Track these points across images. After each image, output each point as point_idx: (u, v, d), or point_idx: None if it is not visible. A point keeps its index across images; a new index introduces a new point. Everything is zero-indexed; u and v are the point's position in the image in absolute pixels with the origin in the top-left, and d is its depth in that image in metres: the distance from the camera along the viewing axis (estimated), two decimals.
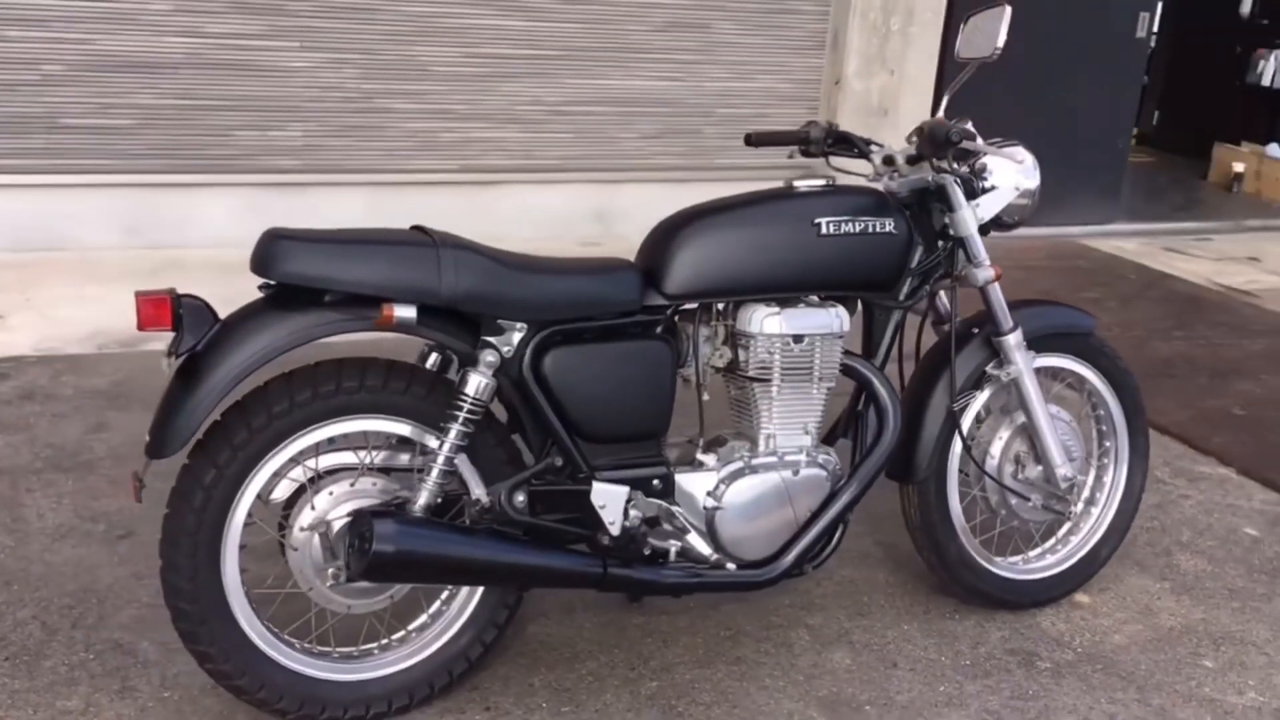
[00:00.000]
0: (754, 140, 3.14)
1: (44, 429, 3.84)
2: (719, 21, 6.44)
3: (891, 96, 6.69)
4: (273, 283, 2.38)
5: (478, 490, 2.48)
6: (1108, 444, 3.20)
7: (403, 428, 2.47)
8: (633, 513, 2.59)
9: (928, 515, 2.97)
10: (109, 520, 3.31)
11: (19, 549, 3.13)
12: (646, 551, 2.62)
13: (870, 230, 2.72)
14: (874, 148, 2.93)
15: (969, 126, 2.70)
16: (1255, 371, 5.15)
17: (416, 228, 2.56)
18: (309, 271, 2.32)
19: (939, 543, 3.00)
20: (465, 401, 2.43)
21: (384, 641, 2.61)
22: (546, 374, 2.50)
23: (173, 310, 2.32)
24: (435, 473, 2.42)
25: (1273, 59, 9.19)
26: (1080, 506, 3.15)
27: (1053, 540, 3.22)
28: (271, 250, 2.33)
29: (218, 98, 5.70)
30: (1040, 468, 3.05)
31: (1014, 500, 3.06)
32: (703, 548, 2.64)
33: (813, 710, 2.69)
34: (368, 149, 5.98)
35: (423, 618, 2.63)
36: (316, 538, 2.45)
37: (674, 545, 2.62)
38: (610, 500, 2.56)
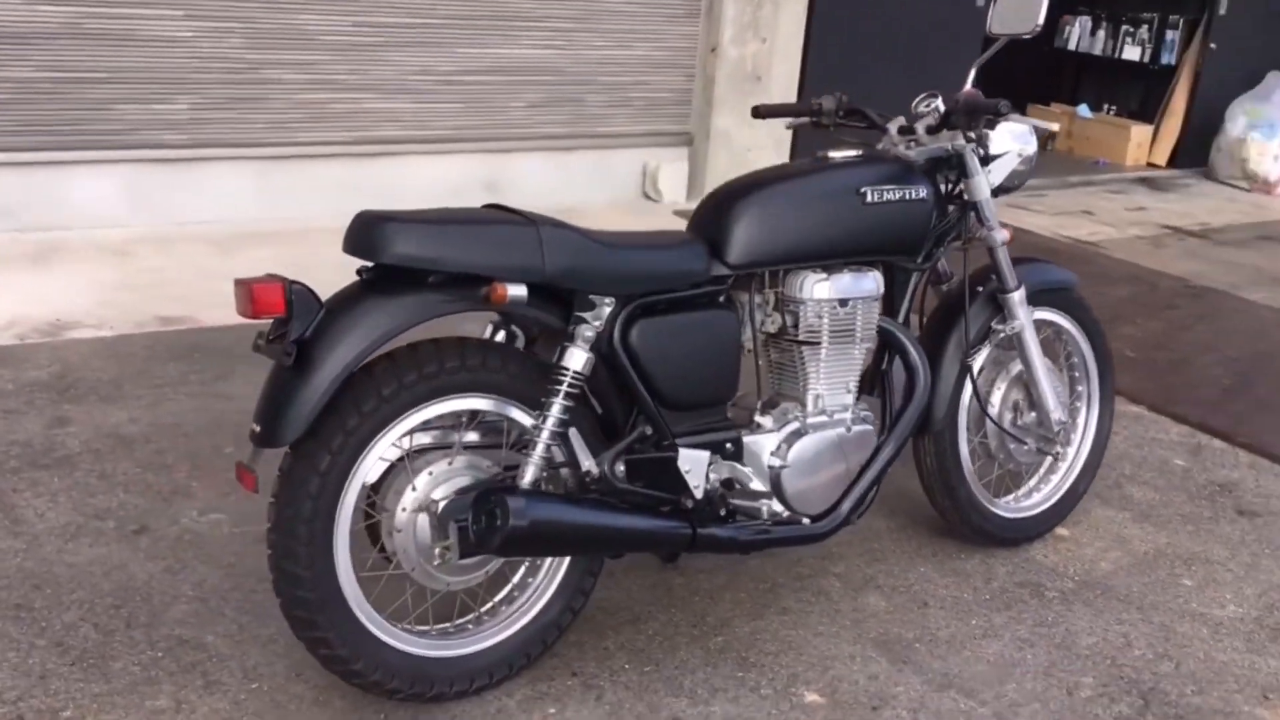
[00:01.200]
0: (762, 112, 3.26)
1: (1, 427, 3.64)
2: None
3: (764, 63, 6.91)
4: (369, 265, 2.38)
5: (587, 461, 2.54)
6: (1080, 388, 3.49)
7: (500, 405, 2.51)
8: (712, 475, 2.70)
9: (943, 462, 3.19)
10: (115, 517, 3.19)
11: (32, 551, 3.00)
12: (722, 512, 2.74)
13: (907, 197, 2.90)
14: (885, 119, 3.09)
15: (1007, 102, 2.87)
16: (1131, 316, 5.62)
17: (495, 206, 2.58)
18: (419, 253, 2.33)
19: (953, 488, 3.22)
20: (566, 376, 2.48)
21: (478, 616, 2.64)
22: (634, 346, 2.57)
23: (285, 296, 2.28)
24: (541, 447, 2.47)
25: (1077, 24, 9.87)
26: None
27: (1036, 479, 3.49)
28: (378, 232, 2.32)
29: (97, 70, 5.41)
30: (1034, 414, 3.31)
31: (1012, 445, 3.31)
32: (772, 505, 2.78)
33: (871, 651, 2.88)
34: (255, 121, 5.80)
35: (508, 589, 2.67)
36: (423, 518, 2.47)
37: (745, 504, 2.74)
38: (694, 465, 2.66)
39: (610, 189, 6.84)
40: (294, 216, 5.79)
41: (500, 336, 2.67)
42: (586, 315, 2.52)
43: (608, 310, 2.54)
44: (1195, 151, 9.19)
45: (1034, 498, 3.45)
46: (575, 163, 6.70)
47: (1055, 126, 3.10)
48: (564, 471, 2.57)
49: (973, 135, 2.94)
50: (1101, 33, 9.79)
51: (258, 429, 2.33)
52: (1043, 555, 3.40)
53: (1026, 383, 3.29)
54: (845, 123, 3.16)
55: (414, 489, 2.47)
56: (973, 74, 3.07)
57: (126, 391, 3.95)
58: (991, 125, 2.96)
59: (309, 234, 5.57)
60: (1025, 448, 3.33)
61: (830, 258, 2.84)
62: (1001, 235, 3.07)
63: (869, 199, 2.84)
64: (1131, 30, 9.60)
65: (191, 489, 3.37)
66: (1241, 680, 2.89)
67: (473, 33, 6.20)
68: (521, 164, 6.51)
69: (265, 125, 5.81)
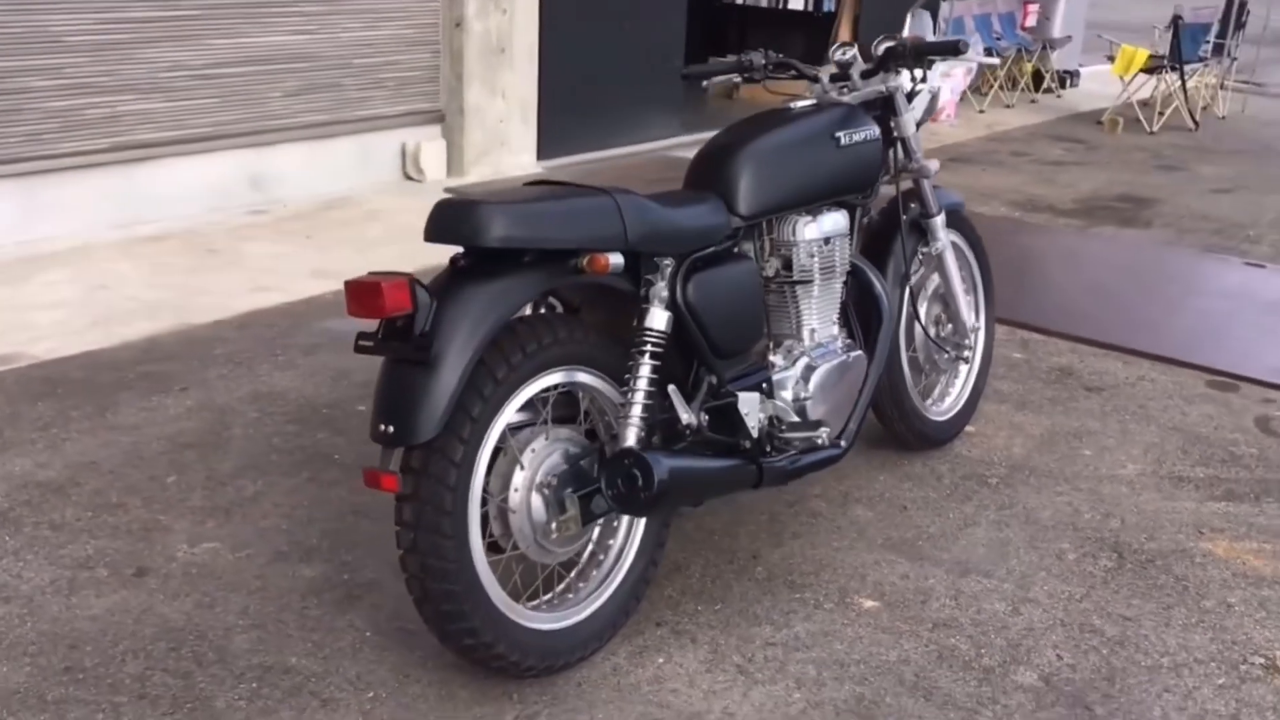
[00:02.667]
0: (691, 74, 3.41)
1: None
2: None
3: (507, 35, 6.97)
4: (461, 250, 2.38)
5: (686, 414, 2.65)
6: (970, 297, 3.91)
7: (586, 375, 2.57)
8: (761, 415, 2.87)
9: (892, 377, 3.50)
10: (103, 563, 2.97)
11: (36, 613, 2.74)
12: (768, 448, 2.92)
13: (867, 138, 3.16)
14: (813, 69, 3.33)
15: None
16: None
17: (544, 182, 2.62)
18: (520, 233, 2.36)
19: (900, 400, 3.55)
20: (651, 336, 2.58)
21: (577, 584, 2.70)
22: (692, 301, 2.69)
23: (411, 292, 2.26)
24: (639, 407, 2.56)
25: None
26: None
27: (948, 382, 3.87)
28: (476, 217, 2.33)
29: None
30: (951, 325, 3.69)
31: (937, 355, 3.68)
32: (804, 432, 2.98)
33: (889, 555, 3.16)
34: (9, 136, 5.28)
35: (587, 554, 2.74)
36: (536, 496, 2.50)
37: (795, 435, 2.94)
38: (750, 407, 2.83)
39: (374, 173, 6.72)
40: (67, 234, 5.34)
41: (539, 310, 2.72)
42: (653, 277, 2.62)
43: (669, 269, 2.65)
44: None
45: (949, 400, 3.84)
46: (338, 149, 6.53)
47: (996, 61, 3.45)
48: (653, 427, 2.66)
49: (919, 74, 3.24)
50: None
51: (390, 429, 2.28)
52: (967, 450, 3.80)
53: (944, 296, 3.65)
54: (775, 75, 3.37)
55: (522, 468, 2.49)
56: (909, 19, 3.35)
57: (10, 438, 3.59)
58: (929, 65, 3.27)
59: (91, 251, 5.17)
60: (947, 356, 3.71)
61: (815, 200, 3.06)
62: (934, 165, 3.39)
63: (842, 142, 3.09)
64: None
65: (161, 523, 3.17)
66: (1176, 522, 3.40)
67: (224, 23, 5.91)
68: (284, 156, 6.28)
69: (21, 139, 5.31)
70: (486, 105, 6.97)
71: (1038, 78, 11.01)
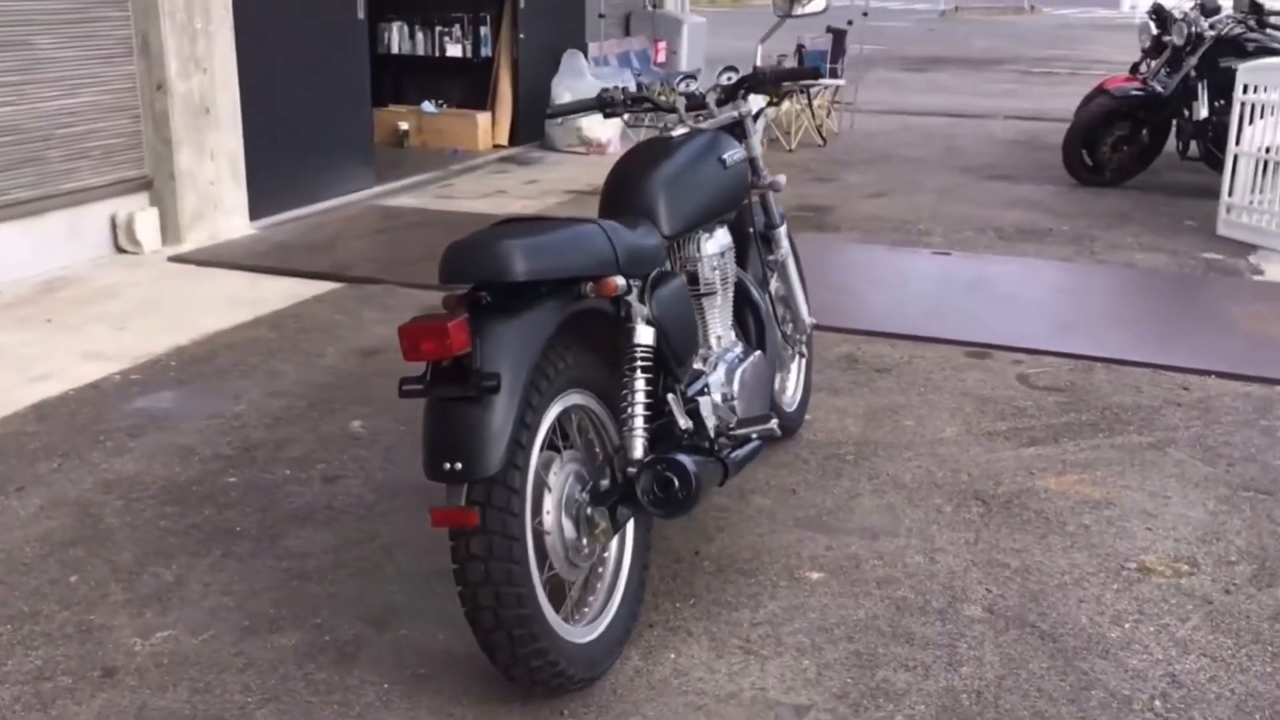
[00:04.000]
0: (556, 112, 3.60)
1: None
2: (37, 36, 5.94)
3: (210, 95, 6.76)
4: (474, 286, 2.48)
5: (684, 420, 2.84)
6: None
7: (585, 396, 2.72)
8: (714, 416, 3.11)
9: None
10: (60, 670, 2.77)
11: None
12: (707, 444, 3.16)
13: (740, 159, 3.48)
14: (669, 101, 3.62)
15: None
16: None
17: (514, 219, 2.74)
18: (543, 266, 2.50)
19: (772, 395, 3.88)
20: (641, 351, 2.77)
21: (586, 599, 2.82)
22: (658, 316, 2.90)
23: (470, 331, 2.34)
24: (640, 419, 2.74)
25: (394, 29, 10.58)
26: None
27: (782, 377, 4.25)
28: (502, 253, 2.45)
29: None
30: (792, 324, 4.08)
31: (784, 351, 4.05)
32: (760, 426, 3.21)
33: (808, 531, 3.50)
34: None
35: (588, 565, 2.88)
36: (565, 516, 2.62)
37: (746, 431, 3.19)
38: (707, 409, 3.06)
39: (87, 248, 6.32)
40: None
41: None
42: (629, 298, 2.80)
43: (638, 289, 2.84)
44: (529, 129, 10.41)
45: (789, 392, 4.22)
46: (48, 226, 6.10)
47: (842, 81, 3.82)
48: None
49: (776, 100, 3.59)
50: (420, 35, 10.60)
51: (458, 466, 2.35)
52: (813, 435, 4.19)
53: (785, 297, 4.03)
54: (634, 109, 3.62)
55: (549, 490, 2.61)
56: (760, 50, 3.69)
57: None
58: (782, 92, 3.61)
59: None
60: (789, 352, 4.09)
61: (714, 218, 3.34)
62: (782, 180, 3.76)
63: (727, 164, 3.38)
64: (447, 30, 10.53)
65: (95, 622, 2.99)
66: (1008, 469, 3.94)
67: None
68: None
69: None
70: (197, 168, 6.72)
71: None
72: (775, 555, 3.35)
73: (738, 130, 3.66)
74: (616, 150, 10.18)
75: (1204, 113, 8.43)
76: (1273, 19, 8.53)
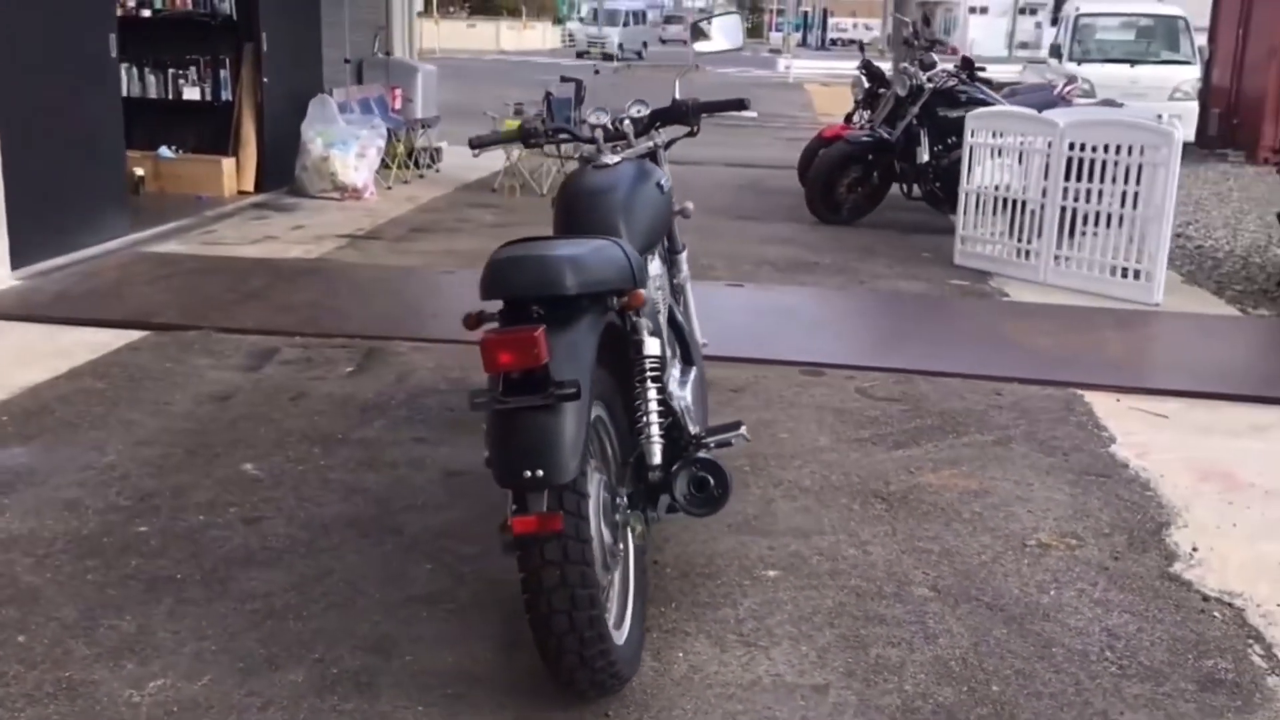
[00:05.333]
0: (479, 144, 3.68)
1: None
2: None
3: None
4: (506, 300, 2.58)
5: (695, 427, 2.97)
6: None
7: (600, 406, 2.83)
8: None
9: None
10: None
11: None
12: None
13: (668, 185, 3.67)
14: (587, 133, 3.77)
15: None
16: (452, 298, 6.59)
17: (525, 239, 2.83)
18: (586, 279, 2.63)
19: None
20: (652, 361, 2.91)
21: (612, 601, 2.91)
22: (653, 329, 3.05)
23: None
24: (656, 426, 2.87)
25: (123, 70, 10.05)
26: None
27: None
28: (554, 267, 2.56)
29: None
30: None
31: None
32: (731, 433, 3.36)
33: (743, 536, 3.71)
34: None
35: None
36: (604, 523, 2.72)
37: (719, 438, 3.34)
38: (688, 418, 3.22)
39: None
40: None
41: None
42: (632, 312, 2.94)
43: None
44: (276, 175, 10.13)
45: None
46: None
47: (755, 114, 4.03)
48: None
49: (695, 130, 3.79)
50: (153, 78, 10.13)
51: (538, 473, 2.42)
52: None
53: (685, 318, 4.23)
54: (554, 139, 3.75)
55: (588, 497, 2.70)
56: (678, 84, 3.87)
57: None
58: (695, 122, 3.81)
59: None
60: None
61: (658, 240, 3.51)
62: (690, 207, 3.97)
63: (663, 189, 3.57)
64: (182, 72, 10.12)
65: (75, 679, 2.81)
66: (890, 470, 4.30)
67: None
68: None
69: None
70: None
71: (411, 155, 11.81)
72: (728, 559, 3.53)
73: (653, 160, 3.85)
74: (373, 196, 10.10)
75: (925, 157, 9.30)
76: (980, 73, 9.56)
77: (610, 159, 3.60)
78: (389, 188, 10.64)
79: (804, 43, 67.75)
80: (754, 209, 10.28)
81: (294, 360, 5.36)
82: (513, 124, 10.70)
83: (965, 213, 8.19)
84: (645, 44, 48.45)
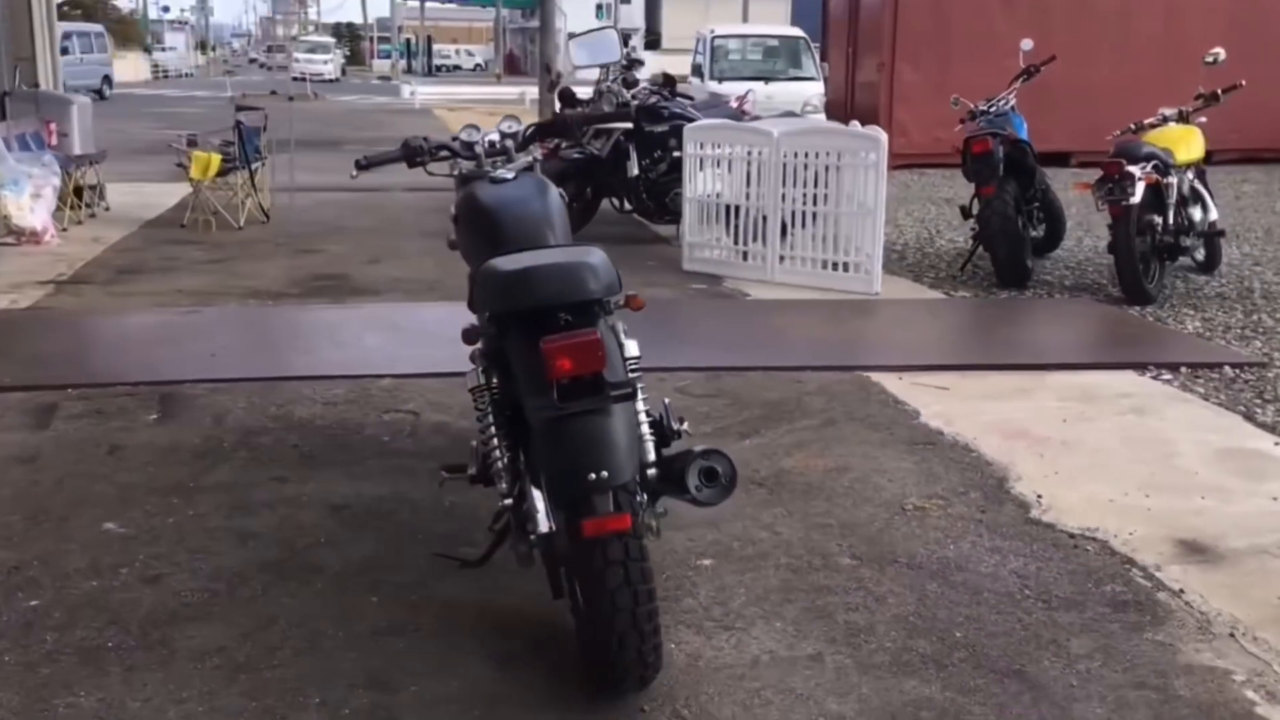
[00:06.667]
0: (365, 163, 3.60)
1: None
2: None
3: None
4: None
5: (676, 424, 3.04)
6: None
7: None
8: None
9: None
10: None
11: None
12: None
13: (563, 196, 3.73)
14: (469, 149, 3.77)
15: None
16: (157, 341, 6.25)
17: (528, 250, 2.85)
18: (603, 283, 2.71)
19: None
20: (635, 364, 2.98)
21: None
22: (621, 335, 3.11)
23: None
24: (647, 427, 2.95)
25: None
26: None
27: None
28: (580, 273, 2.65)
29: None
30: None
31: None
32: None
33: (668, 531, 3.80)
34: None
35: None
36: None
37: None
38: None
39: None
40: None
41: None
42: (611, 316, 2.99)
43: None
44: None
45: None
46: None
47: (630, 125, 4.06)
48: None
49: (576, 141, 3.85)
50: None
51: (604, 474, 2.46)
52: None
53: None
54: (439, 158, 3.72)
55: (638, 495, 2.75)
56: (556, 104, 3.89)
57: None
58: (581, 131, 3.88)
59: None
60: None
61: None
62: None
63: (563, 198, 3.62)
64: None
65: (114, 710, 2.53)
66: (751, 457, 4.53)
67: None
68: None
69: None
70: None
71: (78, 192, 10.94)
72: (659, 554, 3.59)
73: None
74: (54, 239, 9.30)
75: (635, 171, 9.66)
76: (681, 88, 10.04)
77: (508, 173, 3.62)
78: (64, 229, 9.83)
79: (409, 69, 67.65)
80: None
81: (83, 414, 4.93)
82: (205, 155, 10.21)
83: (689, 221, 8.60)
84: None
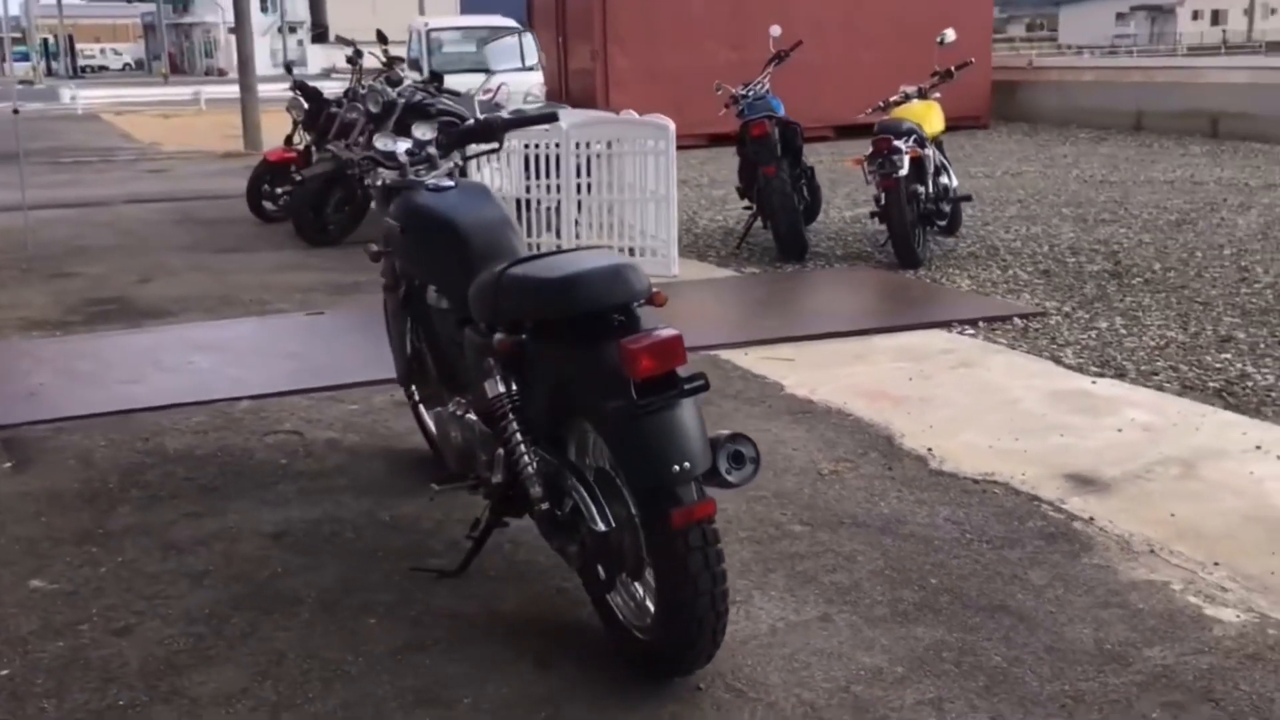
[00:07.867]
0: (308, 177, 3.50)
1: None
2: None
3: None
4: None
5: None
6: None
7: None
8: None
9: None
10: None
11: None
12: None
13: None
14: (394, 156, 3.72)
15: None
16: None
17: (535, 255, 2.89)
18: (645, 283, 2.77)
19: None
20: None
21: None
22: None
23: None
24: None
25: None
26: None
27: None
28: (628, 276, 2.75)
29: None
30: None
31: None
32: None
33: None
34: None
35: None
36: None
37: None
38: None
39: None
40: None
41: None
42: None
43: None
44: None
45: None
46: None
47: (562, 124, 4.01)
48: None
49: (499, 147, 3.84)
50: None
51: (686, 465, 2.57)
52: None
53: None
54: (364, 166, 3.66)
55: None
56: (477, 105, 3.86)
57: None
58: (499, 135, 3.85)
59: None
60: None
61: None
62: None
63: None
64: None
65: None
66: None
67: None
68: None
69: None
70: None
71: None
72: None
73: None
74: None
75: None
76: (448, 85, 9.96)
77: (446, 181, 3.60)
78: None
79: (50, 72, 62.73)
80: (226, 241, 9.84)
81: None
82: None
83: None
84: None
